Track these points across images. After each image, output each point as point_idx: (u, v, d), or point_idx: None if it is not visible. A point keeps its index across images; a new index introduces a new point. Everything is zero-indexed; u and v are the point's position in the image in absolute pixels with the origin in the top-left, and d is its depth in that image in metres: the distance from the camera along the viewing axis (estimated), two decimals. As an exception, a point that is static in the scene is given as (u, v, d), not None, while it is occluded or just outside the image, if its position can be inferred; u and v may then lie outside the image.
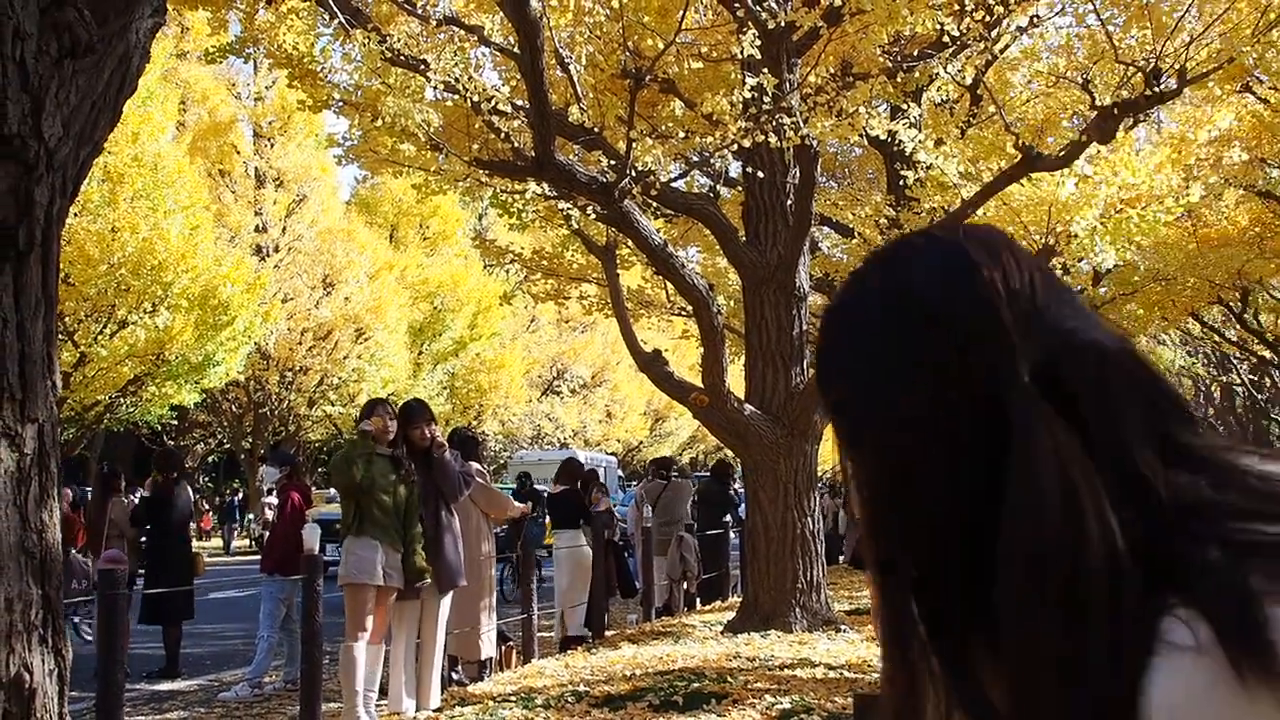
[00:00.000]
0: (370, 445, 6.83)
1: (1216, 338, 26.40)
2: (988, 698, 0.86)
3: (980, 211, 10.52)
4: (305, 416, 30.49)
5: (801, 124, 8.77)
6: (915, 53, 10.43)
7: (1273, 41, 9.07)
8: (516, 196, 10.68)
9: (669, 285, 12.51)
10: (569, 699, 6.84)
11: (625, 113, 8.82)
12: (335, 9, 8.39)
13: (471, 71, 8.76)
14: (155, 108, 19.43)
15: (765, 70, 8.62)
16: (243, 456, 31.77)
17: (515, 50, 8.06)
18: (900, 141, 9.54)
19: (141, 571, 9.93)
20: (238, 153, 29.25)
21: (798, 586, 9.64)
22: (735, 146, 9.04)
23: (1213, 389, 37.36)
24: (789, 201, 10.14)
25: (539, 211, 11.91)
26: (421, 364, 33.35)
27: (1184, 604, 0.75)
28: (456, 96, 8.67)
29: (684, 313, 14.79)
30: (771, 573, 9.73)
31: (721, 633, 9.71)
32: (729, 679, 7.14)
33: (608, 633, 10.47)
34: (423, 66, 8.60)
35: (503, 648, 9.14)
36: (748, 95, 8.73)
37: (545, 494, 15.56)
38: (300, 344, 29.27)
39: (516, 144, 8.80)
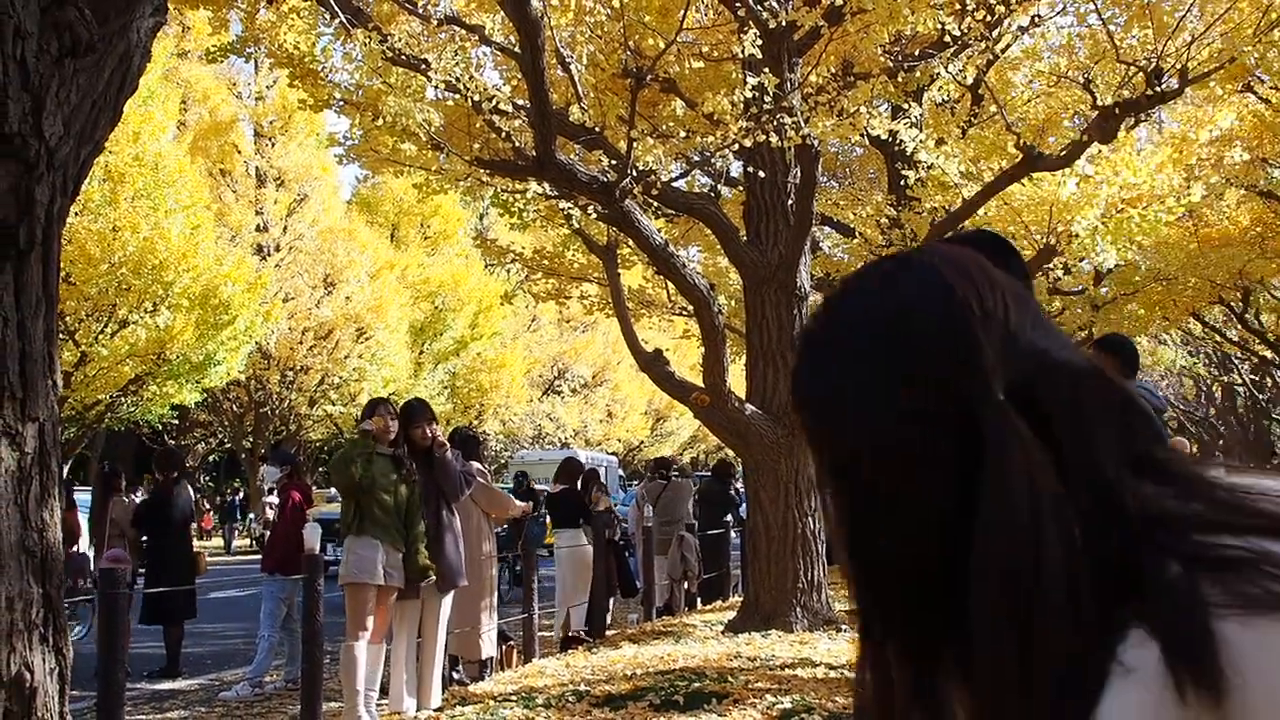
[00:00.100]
0: (370, 445, 6.83)
1: (1218, 338, 26.41)
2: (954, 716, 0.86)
3: (981, 211, 10.53)
4: (306, 416, 30.50)
5: (803, 123, 8.77)
6: (916, 52, 10.43)
7: (1274, 41, 9.07)
8: (517, 196, 10.68)
9: (670, 285, 12.50)
10: (570, 698, 6.84)
11: (626, 112, 8.81)
12: (336, 8, 8.39)
13: (472, 71, 8.75)
14: (156, 107, 19.42)
15: (766, 70, 8.62)
16: (244, 456, 31.78)
17: (516, 50, 8.06)
18: (901, 141, 9.54)
19: (142, 571, 9.92)
20: (239, 152, 29.26)
21: (799, 586, 9.63)
22: (736, 146, 9.03)
23: (1214, 389, 37.35)
24: (790, 201, 10.14)
25: (540, 211, 11.91)
26: (422, 363, 33.35)
27: (1139, 622, 0.76)
28: (457, 96, 8.66)
29: (685, 312, 14.78)
30: (772, 572, 9.73)
31: (722, 632, 9.70)
32: (730, 679, 7.14)
33: (608, 632, 10.48)
34: (424, 66, 8.60)
35: (503, 647, 9.14)
36: (749, 95, 8.72)
37: (545, 494, 15.56)
38: (301, 343, 29.27)
39: (517, 143, 8.80)
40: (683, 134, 9.97)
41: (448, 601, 7.36)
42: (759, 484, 9.88)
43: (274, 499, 10.95)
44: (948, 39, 9.44)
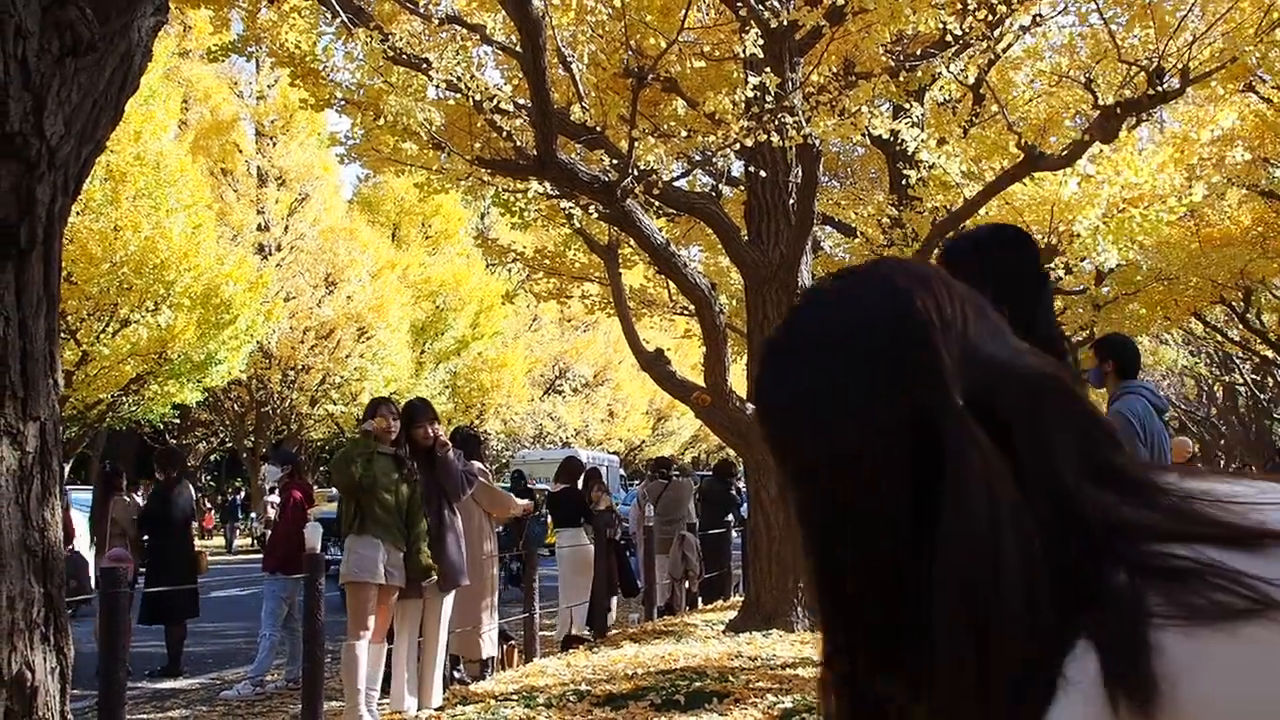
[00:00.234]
0: (371, 444, 6.82)
1: (1219, 337, 26.39)
2: None
3: (983, 211, 10.53)
4: (307, 415, 30.51)
5: (804, 123, 8.77)
6: (918, 52, 10.43)
7: (1276, 41, 9.07)
8: (519, 195, 10.68)
9: (671, 284, 12.51)
10: (570, 698, 6.84)
11: (627, 111, 8.82)
12: (337, 8, 8.39)
13: (473, 70, 8.76)
14: (157, 106, 19.43)
15: (768, 69, 8.62)
16: (245, 455, 31.79)
17: (517, 49, 8.06)
18: (903, 141, 9.54)
19: (142, 571, 9.92)
20: (240, 151, 29.27)
21: (799, 586, 9.63)
22: (738, 145, 9.03)
23: (1215, 389, 37.32)
24: (791, 201, 10.14)
25: (541, 210, 11.92)
26: (424, 363, 33.36)
27: (1085, 633, 0.76)
28: (459, 95, 8.67)
29: (686, 312, 14.79)
30: (773, 572, 9.72)
31: (723, 632, 9.70)
32: (731, 678, 7.14)
33: (611, 631, 10.48)
34: (425, 65, 8.60)
35: (504, 646, 9.14)
36: (750, 94, 8.72)
37: (546, 493, 15.56)
38: (302, 343, 29.28)
39: (519, 143, 8.80)
40: (684, 133, 9.97)
41: (449, 601, 7.36)
42: (760, 483, 9.88)
43: (275, 498, 10.96)
44: (949, 38, 9.44)
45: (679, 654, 8.42)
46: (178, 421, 29.09)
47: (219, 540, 31.08)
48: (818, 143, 9.20)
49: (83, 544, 12.87)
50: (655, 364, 10.56)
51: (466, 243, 34.69)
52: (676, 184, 10.98)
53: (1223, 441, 36.28)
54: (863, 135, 10.53)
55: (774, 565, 9.72)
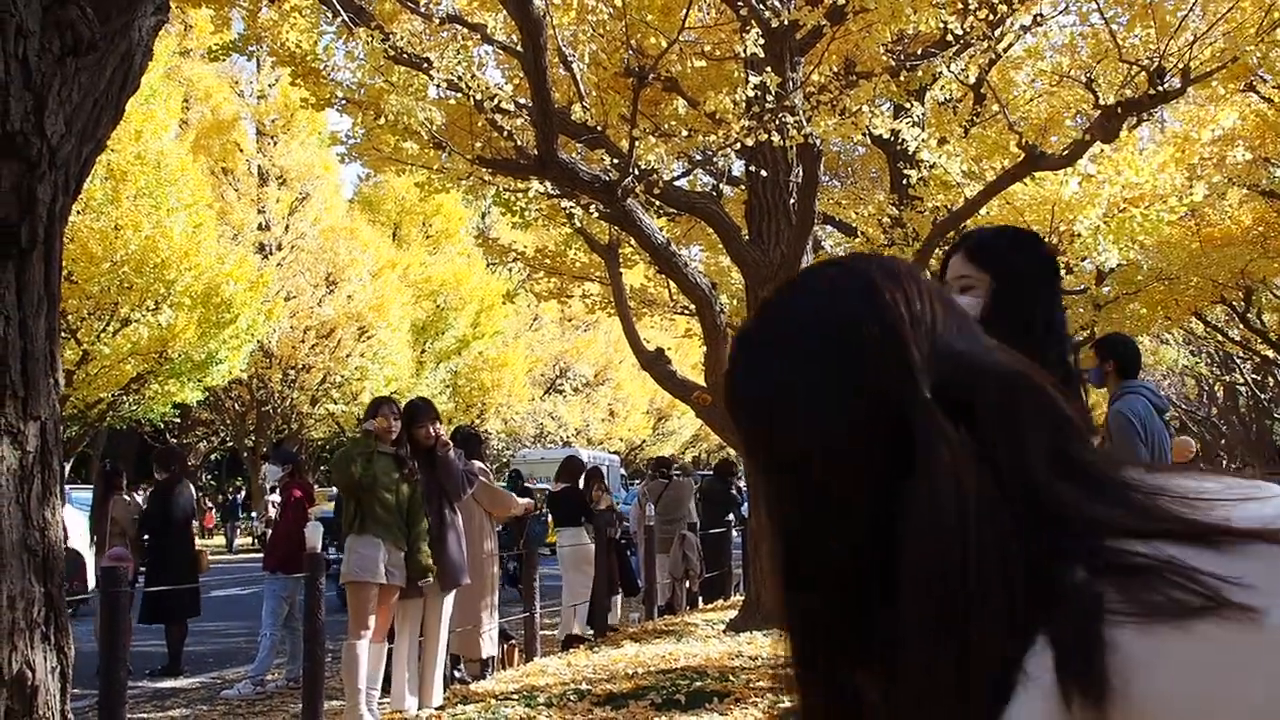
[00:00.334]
0: (372, 443, 6.83)
1: (1220, 337, 26.39)
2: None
3: (984, 210, 10.52)
4: (308, 415, 30.50)
5: (805, 122, 8.77)
6: (919, 51, 10.43)
7: (1277, 41, 9.06)
8: (519, 195, 10.68)
9: (672, 284, 12.50)
10: (571, 697, 6.84)
11: (628, 111, 8.81)
12: (338, 7, 8.39)
13: (474, 70, 8.76)
14: (158, 105, 19.43)
15: (768, 69, 8.61)
16: (245, 454, 31.79)
17: (518, 48, 8.06)
18: (903, 140, 9.53)
19: (143, 570, 9.91)
20: (241, 151, 29.26)
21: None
22: (738, 145, 9.03)
23: (1216, 388, 37.32)
24: (792, 200, 10.14)
25: (542, 210, 11.91)
26: (424, 362, 33.36)
27: (1045, 630, 0.76)
28: (459, 95, 8.66)
29: (687, 311, 14.78)
30: (774, 571, 9.71)
31: (724, 631, 9.70)
32: (731, 677, 7.14)
33: (613, 630, 10.49)
34: (426, 65, 8.59)
35: (505, 646, 9.14)
36: (751, 94, 8.72)
37: (545, 492, 15.55)
38: (303, 342, 29.28)
39: (519, 142, 8.80)
40: (685, 133, 9.97)
41: (450, 600, 7.36)
42: (761, 483, 9.85)
43: (276, 497, 10.96)
44: (950, 38, 9.43)
45: (679, 653, 8.43)
46: (178, 421, 29.09)
47: (219, 539, 31.08)
48: (818, 142, 9.20)
49: (82, 543, 12.87)
50: (656, 363, 10.56)
51: (467, 242, 34.69)
52: (677, 183, 10.98)
53: (1223, 441, 36.27)
54: (863, 135, 10.53)
55: (774, 565, 9.70)
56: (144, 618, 9.55)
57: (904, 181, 11.47)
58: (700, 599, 13.42)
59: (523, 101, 8.90)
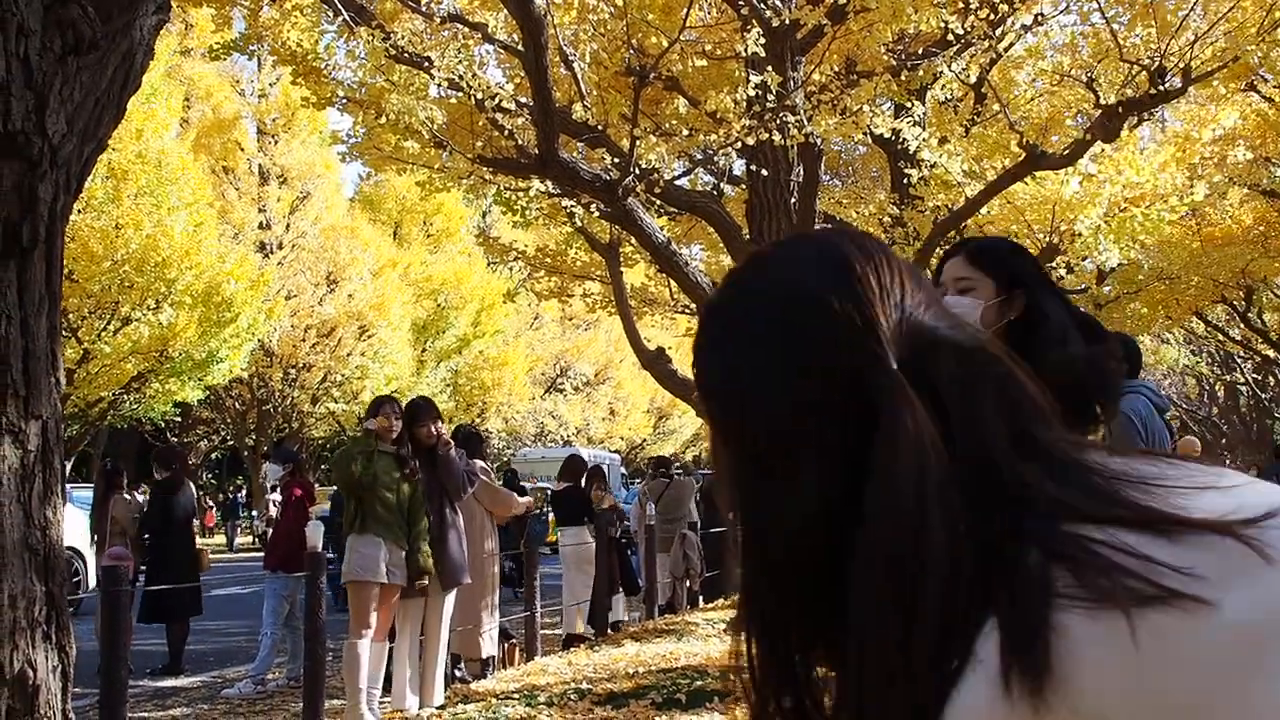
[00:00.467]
0: (373, 442, 6.83)
1: (1220, 336, 26.40)
2: (820, 704, 0.87)
3: (984, 210, 10.52)
4: (309, 413, 30.50)
5: (805, 122, 8.76)
6: (919, 51, 10.42)
7: (1277, 40, 9.05)
8: (520, 194, 10.68)
9: (672, 283, 12.50)
10: (572, 697, 6.84)
11: (629, 110, 8.81)
12: (339, 6, 8.39)
13: (475, 69, 8.76)
14: (159, 104, 19.44)
15: (769, 68, 8.61)
16: (246, 453, 31.78)
17: (519, 47, 8.06)
18: (904, 139, 9.53)
19: (143, 569, 9.91)
20: (241, 149, 29.26)
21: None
22: (739, 144, 9.03)
23: (1217, 388, 37.33)
24: (793, 199, 10.13)
25: (543, 209, 11.91)
26: (425, 361, 33.35)
27: (995, 612, 0.75)
28: (460, 94, 8.66)
29: (687, 310, 14.78)
30: (774, 571, 9.71)
31: (724, 630, 9.70)
32: (732, 676, 7.14)
33: (617, 630, 10.49)
34: (426, 64, 8.59)
35: (505, 645, 9.14)
36: (752, 93, 8.72)
37: (546, 492, 15.55)
38: (304, 341, 29.28)
39: (520, 141, 8.80)
40: (685, 132, 9.97)
41: (451, 599, 7.36)
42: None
43: (277, 496, 10.96)
44: (951, 37, 9.43)
45: (680, 653, 8.43)
46: (179, 419, 29.09)
47: (220, 538, 31.09)
48: (819, 141, 9.20)
49: (81, 541, 12.87)
50: (657, 362, 10.56)
51: (468, 241, 34.68)
52: (678, 183, 10.98)
53: (1224, 440, 36.28)
54: (864, 134, 10.53)
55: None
56: (145, 617, 9.55)
57: (905, 181, 11.46)
58: (701, 598, 13.42)
59: (524, 100, 8.90)
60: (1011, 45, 11.02)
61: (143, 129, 18.81)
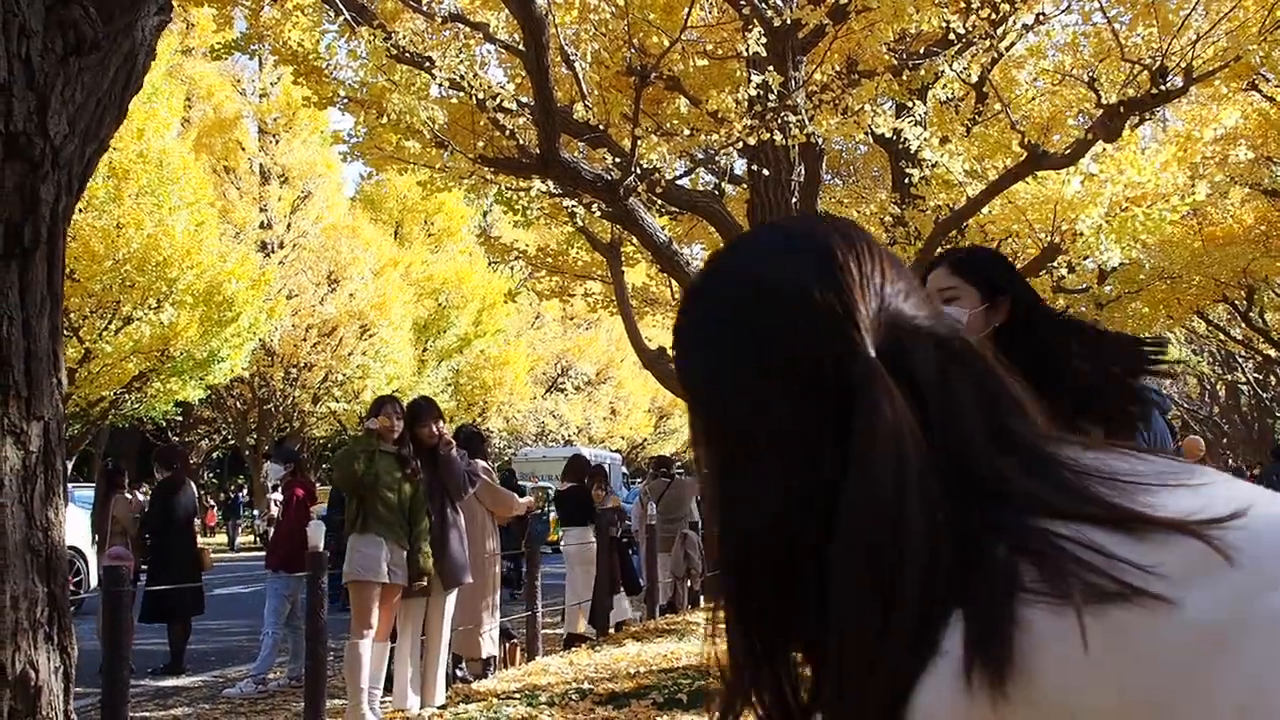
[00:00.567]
0: (374, 442, 6.83)
1: (1222, 336, 26.39)
2: (797, 695, 0.86)
3: (986, 210, 10.52)
4: (310, 413, 30.52)
5: (807, 121, 8.76)
6: (921, 50, 10.42)
7: (1279, 40, 9.05)
8: (521, 194, 10.68)
9: (674, 282, 12.50)
10: (573, 696, 6.84)
11: (630, 110, 8.81)
12: (340, 6, 8.39)
13: (476, 69, 8.76)
14: (160, 104, 19.44)
15: (771, 68, 8.61)
16: (247, 453, 31.80)
17: (520, 47, 8.06)
18: (905, 139, 9.53)
19: (144, 569, 9.91)
20: (243, 149, 29.27)
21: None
22: (740, 144, 9.03)
23: (1218, 387, 37.32)
24: (794, 199, 10.13)
25: (544, 209, 11.91)
26: (426, 361, 33.36)
27: (961, 604, 0.75)
28: (461, 93, 8.66)
29: (688, 310, 14.76)
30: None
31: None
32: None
33: (621, 629, 10.49)
34: (428, 63, 8.59)
35: (506, 645, 9.14)
36: (753, 93, 8.72)
37: (551, 491, 15.54)
38: (305, 340, 29.29)
39: (521, 141, 8.80)
40: (687, 132, 9.96)
41: (452, 599, 7.36)
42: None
43: (278, 496, 10.96)
44: (952, 37, 9.43)
45: (681, 652, 8.43)
46: (180, 419, 29.11)
47: (221, 538, 31.10)
48: (820, 141, 9.20)
49: (82, 541, 12.88)
50: (658, 362, 10.55)
51: (469, 241, 34.69)
52: (679, 182, 10.98)
53: (1225, 440, 36.27)
54: (865, 134, 10.52)
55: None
56: (146, 616, 9.55)
57: (906, 180, 11.46)
58: (702, 598, 13.42)
59: (525, 100, 8.90)
60: (1013, 45, 11.02)
61: (144, 128, 18.82)
